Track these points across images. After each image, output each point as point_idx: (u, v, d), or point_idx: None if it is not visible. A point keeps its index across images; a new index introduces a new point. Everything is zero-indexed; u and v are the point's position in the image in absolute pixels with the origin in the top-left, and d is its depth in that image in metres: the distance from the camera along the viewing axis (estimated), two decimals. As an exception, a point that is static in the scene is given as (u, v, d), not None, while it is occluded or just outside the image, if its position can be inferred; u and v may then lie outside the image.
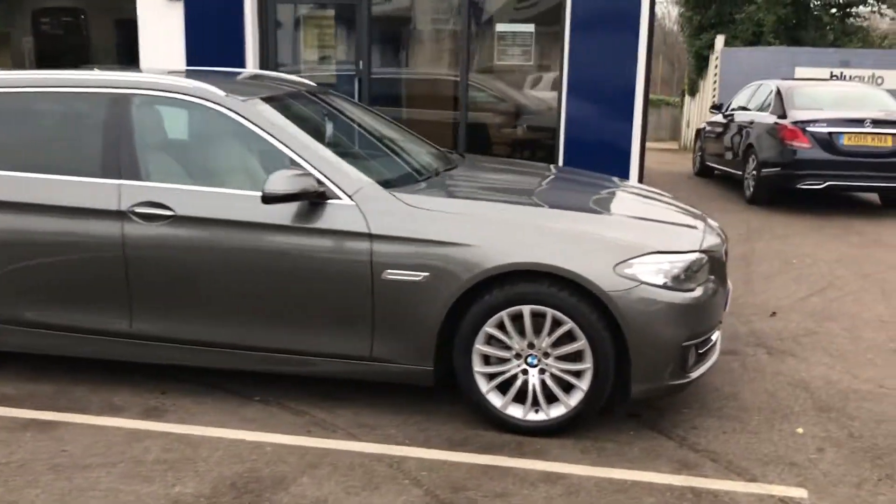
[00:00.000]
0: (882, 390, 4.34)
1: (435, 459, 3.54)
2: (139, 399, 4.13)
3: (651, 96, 29.70)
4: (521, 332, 3.69)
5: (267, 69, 8.20)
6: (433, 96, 8.73)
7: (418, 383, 3.87)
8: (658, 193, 4.85)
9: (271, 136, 3.92)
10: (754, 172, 10.32)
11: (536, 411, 3.77)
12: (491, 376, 3.78)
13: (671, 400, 4.14)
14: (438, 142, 7.71)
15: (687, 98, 22.28)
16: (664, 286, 3.61)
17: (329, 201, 3.80)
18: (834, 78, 15.72)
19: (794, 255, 7.41)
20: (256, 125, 3.94)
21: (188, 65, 8.08)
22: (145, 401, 4.11)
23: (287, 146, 3.89)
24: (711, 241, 4.01)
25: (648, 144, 22.35)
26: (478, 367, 3.76)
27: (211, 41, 8.07)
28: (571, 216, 3.86)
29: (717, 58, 17.89)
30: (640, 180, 8.07)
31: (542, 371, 3.74)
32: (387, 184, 3.96)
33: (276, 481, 3.35)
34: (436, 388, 3.91)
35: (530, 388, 3.75)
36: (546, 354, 3.71)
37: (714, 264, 3.90)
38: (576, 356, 3.68)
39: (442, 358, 3.81)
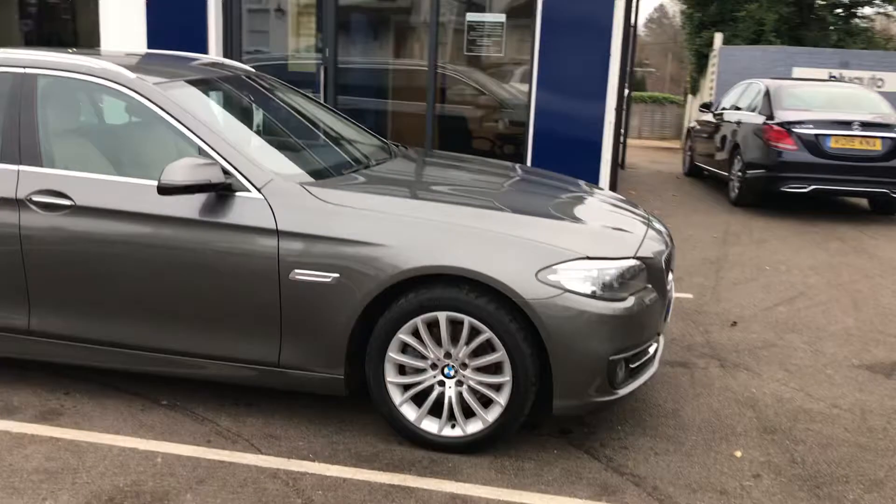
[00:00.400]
0: (835, 411, 4.06)
1: (336, 477, 3.28)
2: (39, 400, 3.87)
3: (656, 94, 29.34)
4: (438, 341, 3.43)
5: (231, 56, 7.94)
6: (404, 87, 8.45)
7: (330, 393, 3.60)
8: (613, 198, 4.55)
9: (179, 122, 3.64)
10: (739, 174, 10.02)
11: (453, 426, 3.51)
12: (405, 387, 3.52)
13: (606, 416, 3.87)
14: (409, 135, 7.45)
15: (690, 97, 21.98)
16: (592, 295, 3.34)
17: (237, 194, 3.54)
18: (832, 79, 15.37)
19: (768, 262, 7.12)
20: (165, 110, 3.66)
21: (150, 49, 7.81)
22: (45, 402, 3.85)
23: (195, 133, 3.61)
24: (651, 246, 3.73)
25: (650, 143, 22.17)
26: (391, 376, 3.49)
27: (173, 26, 7.80)
28: (498, 217, 3.58)
29: (715, 56, 17.56)
30: (614, 180, 7.79)
31: (459, 383, 3.47)
32: (309, 175, 3.70)
33: (156, 497, 3.08)
34: (360, 398, 3.64)
35: (446, 400, 3.48)
36: (464, 365, 3.45)
37: (653, 272, 3.63)
38: (495, 368, 3.41)
39: (355, 366, 3.54)
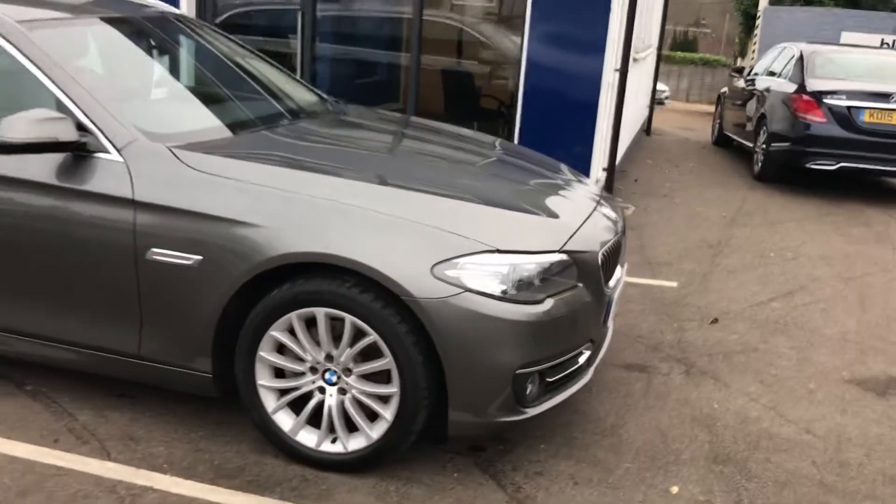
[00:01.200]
0: (805, 438, 3.45)
1: (182, 496, 2.78)
2: None
3: (707, 56, 28.10)
4: (318, 341, 2.89)
5: (206, 3, 7.39)
6: (388, 37, 7.80)
7: (198, 393, 3.10)
8: (570, 177, 3.89)
9: (38, 67, 3.10)
10: (763, 146, 9.22)
11: (334, 440, 2.99)
12: (281, 392, 3.00)
13: (530, 430, 3.31)
14: (391, 90, 6.89)
15: (739, 60, 20.91)
16: (500, 296, 2.76)
17: (96, 156, 3.01)
18: (885, 46, 14.27)
19: (775, 247, 6.42)
20: (23, 53, 3.13)
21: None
22: None
23: (53, 81, 3.07)
24: (587, 238, 3.12)
25: (695, 107, 21.11)
26: (263, 379, 2.97)
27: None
28: (404, 198, 2.99)
29: (759, 17, 16.49)
30: (614, 148, 7.09)
31: (342, 391, 2.94)
32: (193, 134, 3.16)
33: (-40, 512, 2.63)
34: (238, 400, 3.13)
35: (325, 410, 2.95)
36: (347, 371, 2.91)
37: (586, 267, 3.03)
38: (383, 377, 2.87)
39: (230, 364, 3.03)
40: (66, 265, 3.05)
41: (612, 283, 3.29)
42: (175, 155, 2.99)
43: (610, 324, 3.75)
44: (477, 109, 9.20)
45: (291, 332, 2.90)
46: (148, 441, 3.10)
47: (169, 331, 3.00)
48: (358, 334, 2.83)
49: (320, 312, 2.83)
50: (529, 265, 2.85)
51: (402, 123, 4.34)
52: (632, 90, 8.93)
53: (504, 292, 2.78)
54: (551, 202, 3.36)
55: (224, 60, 4.19)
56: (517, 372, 2.81)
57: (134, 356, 3.07)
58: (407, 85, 7.29)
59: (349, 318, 2.81)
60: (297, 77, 4.50)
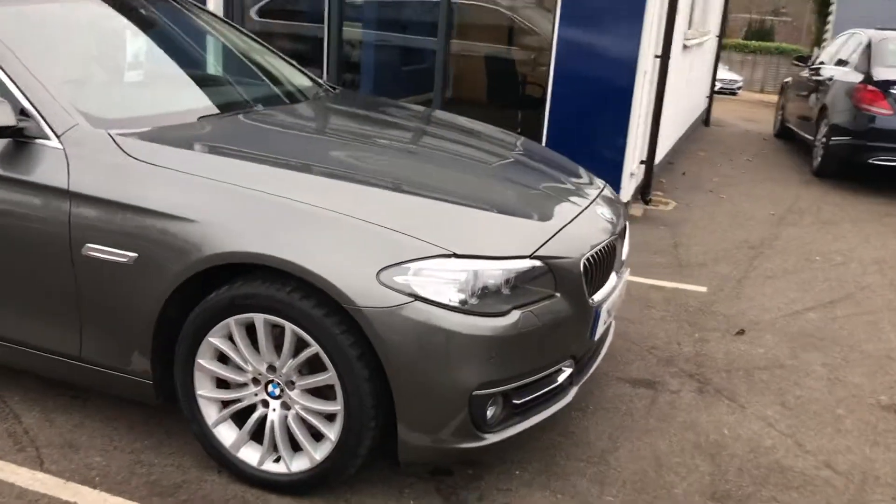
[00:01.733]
0: (824, 473, 3.03)
1: (104, 515, 2.55)
2: None
3: (783, 45, 27.02)
4: (259, 350, 2.62)
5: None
6: (418, 21, 7.47)
7: (141, 400, 2.86)
8: (580, 180, 3.49)
9: (-21, 47, 2.90)
10: (823, 140, 8.60)
11: (277, 460, 2.71)
12: (224, 403, 2.74)
13: (508, 452, 2.98)
14: (423, 78, 6.60)
15: (815, 49, 19.95)
16: (457, 306, 2.44)
17: (37, 142, 2.79)
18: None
19: (823, 250, 5.90)
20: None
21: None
22: None
23: (-5, 62, 2.86)
24: (569, 241, 2.77)
25: (768, 97, 20.23)
26: (203, 389, 2.72)
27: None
28: (356, 193, 2.67)
29: (832, 2, 15.61)
30: (653, 143, 6.64)
31: (285, 406, 2.66)
32: (146, 120, 2.92)
33: None
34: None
35: (268, 425, 2.68)
36: (290, 384, 2.63)
37: (566, 274, 2.68)
38: (328, 392, 2.58)
39: (171, 371, 2.78)
40: (6, 259, 2.85)
41: (601, 292, 2.93)
42: (116, 142, 2.74)
43: (610, 333, 3.40)
44: (515, 97, 8.84)
45: (230, 338, 2.63)
46: (87, 450, 2.88)
47: (108, 332, 2.77)
48: (300, 344, 2.55)
49: (259, 319, 2.56)
50: (493, 272, 2.52)
51: (407, 115, 4.01)
52: (682, 78, 8.43)
53: (463, 302, 2.46)
54: (537, 203, 3.00)
55: (210, 42, 3.95)
56: (475, 393, 2.48)
57: (76, 358, 2.86)
58: (435, 71, 6.97)
59: (289, 327, 2.53)
60: (291, 61, 4.22)
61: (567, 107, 6.26)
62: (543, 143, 6.42)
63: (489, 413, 2.55)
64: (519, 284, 2.57)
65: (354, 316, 2.43)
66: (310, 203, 2.55)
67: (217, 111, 3.26)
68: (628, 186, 6.35)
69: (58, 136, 2.75)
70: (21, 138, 2.78)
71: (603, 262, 2.93)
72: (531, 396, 2.67)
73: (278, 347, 2.59)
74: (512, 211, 2.81)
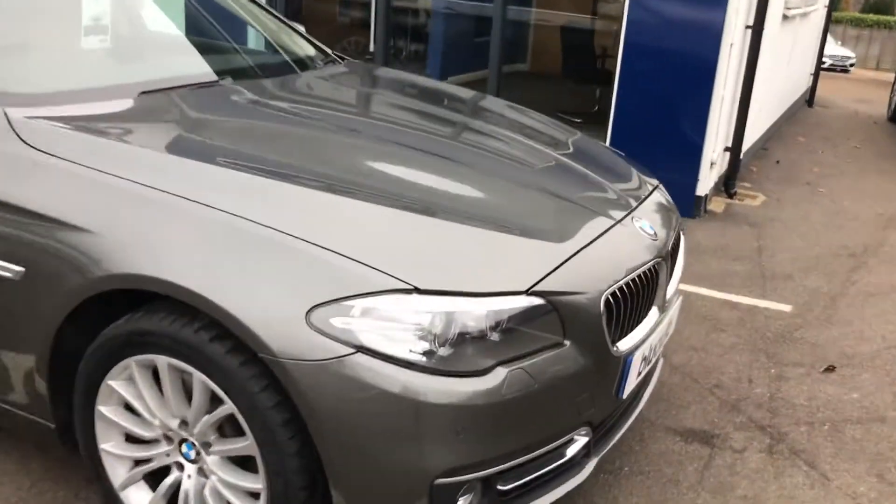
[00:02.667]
0: (933, 592, 2.24)
1: None
2: None
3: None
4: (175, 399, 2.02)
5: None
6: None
7: (45, 444, 2.31)
8: (629, 187, 2.72)
9: None
10: (946, 126, 7.47)
11: (199, 537, 2.11)
12: (136, 462, 2.15)
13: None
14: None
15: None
16: (418, 361, 1.77)
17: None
18: None
19: (942, 261, 4.93)
20: None
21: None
22: None
23: None
24: (585, 270, 2.05)
25: (881, 76, 18.57)
26: (106, 442, 2.13)
27: None
28: (297, 200, 2.02)
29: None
30: (741, 126, 5.75)
31: (203, 473, 2.05)
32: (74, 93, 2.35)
33: None
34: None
35: (182, 495, 2.08)
36: (207, 445, 2.02)
37: (578, 316, 1.97)
38: (251, 463, 1.96)
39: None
40: None
41: (634, 336, 2.19)
42: (10, 124, 2.16)
43: (656, 371, 2.67)
44: (591, 72, 8.03)
45: (133, 382, 2.04)
46: (5, 486, 2.35)
47: (3, 363, 2.21)
48: (214, 398, 1.93)
49: (161, 362, 1.95)
50: (472, 313, 1.83)
51: (433, 99, 3.29)
52: (781, 53, 7.44)
53: (428, 354, 1.79)
54: (561, 219, 2.24)
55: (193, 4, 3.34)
56: (438, 482, 1.81)
57: (-29, 391, 2.32)
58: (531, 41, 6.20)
59: (197, 376, 1.91)
60: (291, 23, 3.59)
61: (638, 83, 5.43)
62: (610, 126, 5.62)
63: (461, 505, 1.88)
64: (514, 328, 1.87)
65: (274, 370, 1.79)
66: (233, 213, 1.91)
67: (166, 86, 2.63)
68: (707, 178, 5.49)
69: (-52, 115, 2.19)
70: None
71: (639, 295, 2.20)
72: (525, 479, 1.98)
73: (192, 397, 1.98)
74: (520, 229, 2.09)
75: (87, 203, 1.99)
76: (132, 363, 1.99)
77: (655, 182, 2.81)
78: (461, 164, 2.46)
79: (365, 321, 1.77)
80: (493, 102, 3.46)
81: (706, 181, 5.50)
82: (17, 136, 2.14)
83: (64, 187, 2.04)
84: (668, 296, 2.43)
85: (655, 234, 2.37)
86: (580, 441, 2.11)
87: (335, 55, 3.54)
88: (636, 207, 2.44)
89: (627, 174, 2.79)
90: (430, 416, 1.78)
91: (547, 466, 2.03)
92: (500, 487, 1.94)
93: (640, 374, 2.29)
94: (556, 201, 2.32)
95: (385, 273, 1.80)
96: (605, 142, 5.62)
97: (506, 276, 1.92)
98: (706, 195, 5.59)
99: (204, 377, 1.89)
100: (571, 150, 2.92)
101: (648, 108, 5.41)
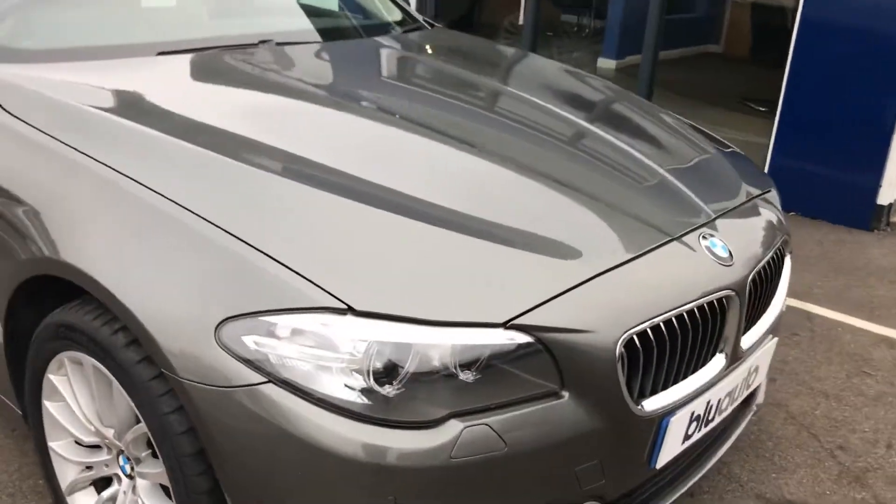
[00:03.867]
0: None
1: None
2: None
3: None
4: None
5: None
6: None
7: (21, 429, 2.15)
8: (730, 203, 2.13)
9: None
10: None
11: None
12: (86, 465, 1.92)
13: None
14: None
15: None
16: (346, 402, 1.39)
17: None
18: None
19: None
20: None
21: None
22: None
23: None
24: (609, 300, 1.56)
25: None
26: (55, 440, 1.91)
27: None
28: (249, 184, 1.66)
29: None
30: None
31: (135, 490, 1.78)
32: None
33: None
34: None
35: (117, 507, 1.83)
36: (137, 461, 1.74)
37: (578, 362, 1.49)
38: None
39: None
40: None
41: (675, 391, 1.67)
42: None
43: (748, 415, 2.13)
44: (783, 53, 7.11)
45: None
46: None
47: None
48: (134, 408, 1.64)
49: (87, 362, 1.69)
50: (436, 346, 1.41)
51: (472, 62, 2.82)
52: None
53: (367, 393, 1.40)
54: (580, 227, 1.74)
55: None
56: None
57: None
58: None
59: (115, 384, 1.62)
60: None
61: (815, 65, 4.61)
62: (777, 116, 4.83)
63: None
64: (489, 370, 1.44)
65: (176, 390, 1.47)
66: (162, 194, 1.59)
67: (186, 48, 2.36)
68: (893, 184, 4.59)
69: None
70: None
71: (693, 337, 1.67)
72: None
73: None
74: (524, 240, 1.62)
75: (26, 168, 1.77)
76: (64, 359, 1.74)
77: (762, 189, 2.20)
78: (483, 150, 1.99)
79: (286, 344, 1.40)
80: (567, 77, 2.90)
81: (891, 188, 4.60)
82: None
83: (18, 153, 1.82)
84: (746, 340, 1.87)
85: (731, 256, 1.81)
86: (586, 533, 1.62)
87: (425, 21, 3.16)
88: (711, 220, 1.89)
89: (720, 173, 2.21)
90: (351, 476, 1.39)
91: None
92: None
93: (688, 437, 1.76)
94: (590, 205, 1.82)
95: (317, 286, 1.42)
96: (770, 136, 4.86)
97: (483, 301, 1.47)
98: (890, 205, 4.68)
99: (119, 385, 1.60)
100: (641, 134, 2.36)
101: (824, 96, 4.59)
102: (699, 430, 1.79)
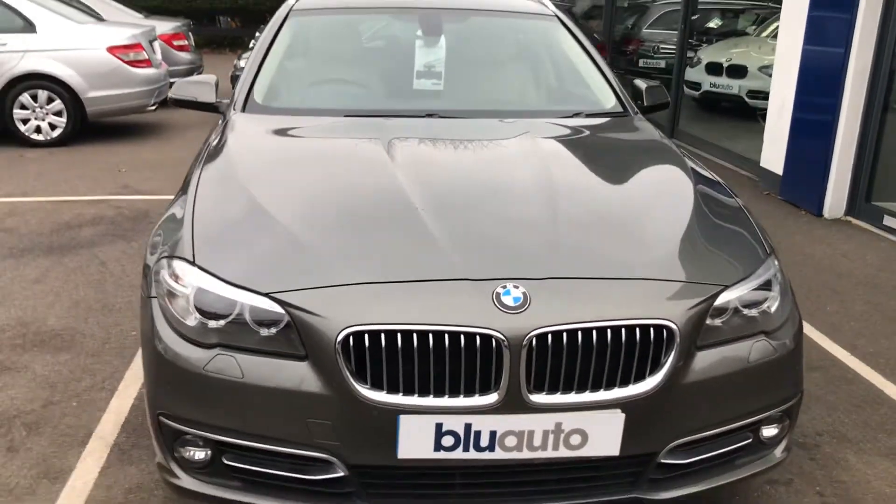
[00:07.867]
0: None
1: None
2: None
3: None
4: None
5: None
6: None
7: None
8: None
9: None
10: None
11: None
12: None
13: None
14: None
15: None
16: (180, 317, 2.19)
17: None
18: None
19: None
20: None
21: None
22: None
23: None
24: (347, 301, 2.04)
25: None
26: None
27: None
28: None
29: None
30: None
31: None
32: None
33: None
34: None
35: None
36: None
37: (317, 338, 2.03)
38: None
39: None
40: None
41: (418, 399, 1.99)
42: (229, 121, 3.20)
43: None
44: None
45: None
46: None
47: None
48: None
49: None
50: (221, 297, 2.12)
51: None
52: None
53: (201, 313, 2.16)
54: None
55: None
56: (159, 415, 2.19)
57: None
58: None
59: None
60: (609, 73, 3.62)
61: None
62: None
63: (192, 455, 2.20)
64: (244, 323, 2.08)
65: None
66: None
67: (355, 114, 3.27)
68: None
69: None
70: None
71: (448, 360, 1.99)
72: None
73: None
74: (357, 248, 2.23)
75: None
76: None
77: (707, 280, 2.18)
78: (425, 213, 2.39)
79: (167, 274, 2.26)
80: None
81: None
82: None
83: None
84: (542, 397, 2.01)
85: (519, 309, 2.00)
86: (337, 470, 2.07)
87: (633, 108, 3.46)
88: (533, 279, 2.07)
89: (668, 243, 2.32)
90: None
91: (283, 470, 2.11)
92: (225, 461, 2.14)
93: (444, 447, 2.01)
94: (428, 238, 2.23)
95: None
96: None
97: (270, 277, 2.12)
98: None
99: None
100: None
101: None
102: (466, 448, 2.01)
